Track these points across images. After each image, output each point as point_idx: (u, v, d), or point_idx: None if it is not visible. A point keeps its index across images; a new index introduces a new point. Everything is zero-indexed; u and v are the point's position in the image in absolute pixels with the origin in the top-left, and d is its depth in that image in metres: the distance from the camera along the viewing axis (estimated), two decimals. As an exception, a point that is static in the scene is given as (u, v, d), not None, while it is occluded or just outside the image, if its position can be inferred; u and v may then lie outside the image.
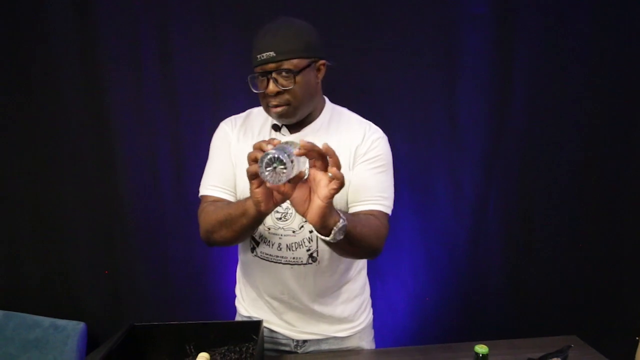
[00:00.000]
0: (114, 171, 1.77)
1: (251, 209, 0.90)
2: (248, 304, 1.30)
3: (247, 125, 1.20)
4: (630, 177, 1.91)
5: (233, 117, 1.25)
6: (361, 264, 1.29)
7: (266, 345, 1.27)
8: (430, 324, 1.93)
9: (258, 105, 1.75)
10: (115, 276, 1.86)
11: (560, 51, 1.79)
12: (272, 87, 1.03)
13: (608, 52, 1.79)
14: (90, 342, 1.82)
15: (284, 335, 1.26)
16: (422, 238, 1.89)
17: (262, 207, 0.85)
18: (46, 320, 1.79)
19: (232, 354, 1.11)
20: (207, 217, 1.08)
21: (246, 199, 0.93)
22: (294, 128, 1.15)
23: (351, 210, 1.12)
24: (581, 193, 1.91)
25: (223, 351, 1.11)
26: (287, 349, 1.27)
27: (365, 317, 1.31)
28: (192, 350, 1.11)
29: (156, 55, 1.70)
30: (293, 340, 1.26)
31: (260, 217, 0.94)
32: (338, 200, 1.09)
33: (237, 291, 1.37)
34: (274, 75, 1.02)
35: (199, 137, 1.76)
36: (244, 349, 1.12)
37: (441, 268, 1.92)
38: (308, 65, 1.04)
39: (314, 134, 1.13)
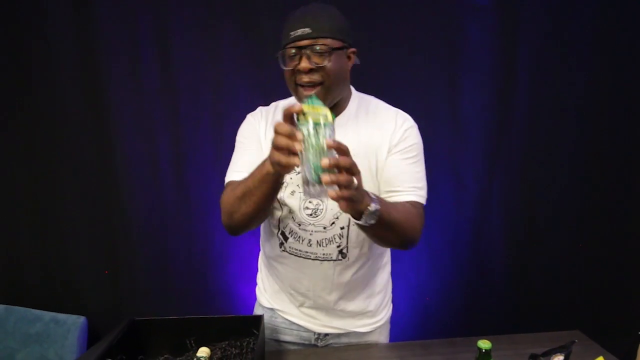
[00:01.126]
0: (114, 166, 1.76)
1: (270, 170, 0.88)
2: (270, 295, 1.29)
3: (276, 118, 1.16)
4: (633, 171, 1.90)
5: (259, 109, 1.22)
6: (386, 259, 1.28)
7: (286, 337, 1.27)
8: (432, 319, 1.93)
9: (259, 100, 1.75)
10: (116, 271, 1.86)
11: (564, 44, 1.77)
12: (305, 63, 0.99)
13: (613, 45, 1.78)
14: (91, 337, 1.82)
15: (305, 328, 1.25)
16: (424, 232, 1.87)
17: (284, 170, 0.85)
18: (47, 315, 1.79)
19: (233, 348, 1.10)
20: (227, 198, 1.06)
21: (263, 163, 0.92)
22: None
23: None
24: (584, 187, 1.90)
25: (224, 346, 1.11)
26: (307, 342, 1.27)
27: (386, 312, 1.31)
28: (193, 344, 1.11)
29: (155, 52, 1.69)
30: (314, 333, 1.25)
31: (280, 179, 0.93)
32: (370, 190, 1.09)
33: (259, 281, 1.36)
34: (307, 51, 0.98)
35: (199, 133, 1.76)
36: (244, 344, 1.11)
37: (443, 262, 1.92)
38: (341, 48, 1.02)
39: (344, 125, 1.10)
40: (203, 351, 1.04)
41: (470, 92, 1.79)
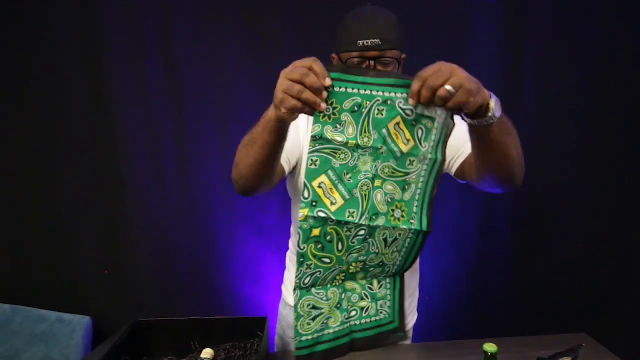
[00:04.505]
0: (118, 165, 1.76)
1: (273, 117, 0.84)
2: None
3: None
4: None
5: None
6: (417, 263, 1.24)
7: None
8: (438, 321, 1.91)
9: (265, 99, 1.73)
10: (121, 271, 1.86)
11: (573, 42, 1.75)
12: None
13: (623, 42, 1.75)
14: (96, 337, 1.83)
15: None
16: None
17: (287, 117, 0.82)
18: (52, 315, 1.79)
19: (237, 350, 1.10)
20: (237, 152, 1.00)
21: (268, 109, 0.87)
22: None
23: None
24: (592, 189, 1.88)
25: (228, 347, 1.10)
26: None
27: (412, 318, 1.30)
28: (197, 345, 1.11)
29: (160, 51, 1.69)
30: None
31: (281, 128, 0.87)
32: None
33: (287, 279, 1.34)
34: (374, 62, 0.99)
35: (203, 131, 1.76)
36: (248, 346, 1.11)
37: (449, 264, 1.90)
38: (402, 59, 1.04)
39: None
40: (207, 352, 1.04)
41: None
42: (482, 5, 1.69)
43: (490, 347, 0.89)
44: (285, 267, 1.37)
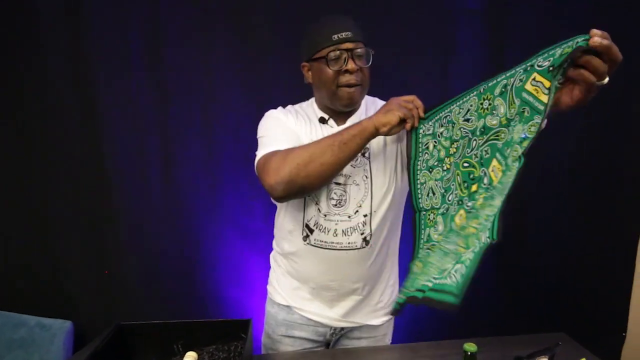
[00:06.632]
0: (103, 168, 1.75)
1: (370, 128, 1.00)
2: (287, 292, 1.29)
3: (297, 115, 1.21)
4: (622, 175, 1.92)
5: (279, 108, 1.23)
6: (397, 251, 1.32)
7: (302, 334, 1.28)
8: (419, 321, 1.94)
9: (251, 102, 1.75)
10: (104, 274, 1.84)
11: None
12: (352, 64, 1.07)
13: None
14: (77, 341, 1.80)
15: (321, 324, 1.27)
16: (409, 234, 1.89)
17: (386, 130, 1.00)
18: (32, 319, 1.77)
19: (220, 352, 1.10)
20: (289, 158, 1.00)
21: (359, 122, 1.02)
22: (340, 120, 1.19)
23: None
24: (571, 190, 1.92)
25: (211, 350, 1.10)
26: (322, 337, 1.29)
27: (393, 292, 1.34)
28: (180, 349, 1.10)
29: (146, 50, 1.68)
30: (330, 327, 1.27)
31: (370, 139, 1.02)
32: (388, 164, 1.17)
33: (273, 279, 1.35)
34: (352, 53, 1.07)
35: (189, 134, 1.75)
36: (232, 348, 1.11)
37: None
38: (371, 54, 1.12)
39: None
40: (190, 355, 1.04)
41: (459, 94, 1.79)
42: (465, 11, 1.72)
43: (470, 347, 0.91)
44: (270, 267, 1.38)
